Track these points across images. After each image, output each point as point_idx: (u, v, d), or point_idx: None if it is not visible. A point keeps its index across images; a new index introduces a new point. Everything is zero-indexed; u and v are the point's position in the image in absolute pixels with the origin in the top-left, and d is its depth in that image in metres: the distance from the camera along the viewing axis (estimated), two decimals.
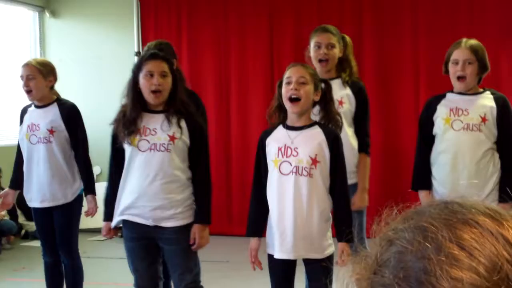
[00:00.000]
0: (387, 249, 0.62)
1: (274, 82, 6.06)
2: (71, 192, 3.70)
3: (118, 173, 3.09)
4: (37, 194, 3.72)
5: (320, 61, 3.41)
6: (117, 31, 6.97)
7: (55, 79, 3.77)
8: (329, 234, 2.84)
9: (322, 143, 2.79)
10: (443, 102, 3.25)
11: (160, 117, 3.01)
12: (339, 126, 2.93)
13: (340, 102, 3.41)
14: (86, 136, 3.79)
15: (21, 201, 6.62)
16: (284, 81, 2.83)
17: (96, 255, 5.69)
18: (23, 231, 6.55)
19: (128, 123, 2.99)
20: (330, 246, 2.82)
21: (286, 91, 2.80)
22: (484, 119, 3.15)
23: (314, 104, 2.88)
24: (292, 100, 2.78)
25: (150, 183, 2.98)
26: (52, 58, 7.24)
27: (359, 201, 3.45)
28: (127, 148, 3.03)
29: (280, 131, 2.87)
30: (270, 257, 2.87)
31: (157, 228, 3.01)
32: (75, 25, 7.19)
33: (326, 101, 2.89)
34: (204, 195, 3.09)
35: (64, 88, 7.11)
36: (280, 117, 2.90)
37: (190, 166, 3.07)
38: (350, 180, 3.33)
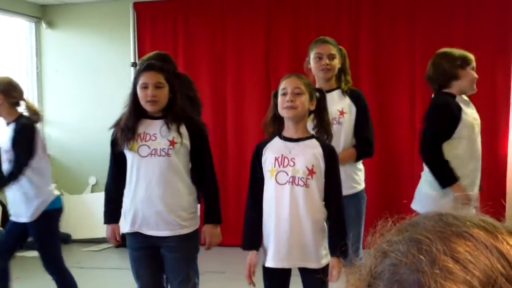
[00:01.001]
0: (381, 261, 0.62)
1: (270, 91, 6.05)
2: (32, 209, 3.70)
3: (119, 176, 3.15)
4: (12, 209, 3.85)
5: (321, 70, 3.47)
6: (113, 42, 6.98)
7: (8, 95, 3.72)
8: (325, 244, 2.83)
9: (318, 155, 2.80)
10: (464, 109, 3.39)
11: (159, 123, 3.05)
12: (331, 135, 2.95)
13: (341, 113, 3.45)
14: (25, 156, 3.66)
15: None
16: (280, 92, 2.84)
17: (90, 265, 5.66)
18: None
19: (126, 130, 3.03)
20: (326, 256, 2.81)
21: (282, 103, 2.81)
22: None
23: (310, 113, 2.89)
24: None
25: (152, 189, 3.02)
26: (49, 68, 7.26)
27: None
28: (128, 154, 3.08)
29: (277, 141, 2.87)
30: (265, 268, 2.87)
31: (160, 237, 3.06)
32: (71, 36, 7.20)
33: (320, 109, 2.90)
34: (212, 195, 3.16)
35: (60, 98, 7.15)
36: (275, 128, 2.90)
37: (194, 168, 3.11)
38: (349, 190, 3.35)
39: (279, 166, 2.79)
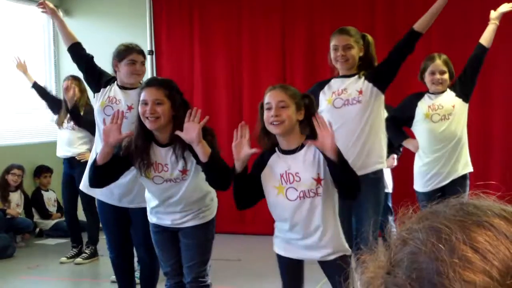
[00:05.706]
0: (401, 249, 0.62)
1: (286, 82, 6.03)
2: None
3: (110, 172, 3.09)
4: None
5: (337, 61, 3.56)
6: (129, 30, 6.99)
7: None
8: (341, 236, 2.83)
9: (319, 158, 2.71)
10: None
11: (167, 152, 3.05)
12: None
13: (360, 92, 3.50)
14: None
15: (36, 200, 6.68)
16: (265, 106, 2.75)
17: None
18: (37, 229, 6.60)
19: (140, 153, 3.03)
20: (343, 246, 2.81)
21: (267, 117, 2.73)
22: None
23: (301, 122, 2.78)
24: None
25: (170, 204, 3.13)
26: (66, 56, 7.27)
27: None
28: (142, 179, 3.13)
29: (276, 157, 2.80)
30: (279, 256, 2.89)
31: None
32: (88, 23, 7.22)
33: (309, 117, 2.76)
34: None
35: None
36: (270, 140, 2.82)
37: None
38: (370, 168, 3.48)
39: (286, 183, 2.73)
